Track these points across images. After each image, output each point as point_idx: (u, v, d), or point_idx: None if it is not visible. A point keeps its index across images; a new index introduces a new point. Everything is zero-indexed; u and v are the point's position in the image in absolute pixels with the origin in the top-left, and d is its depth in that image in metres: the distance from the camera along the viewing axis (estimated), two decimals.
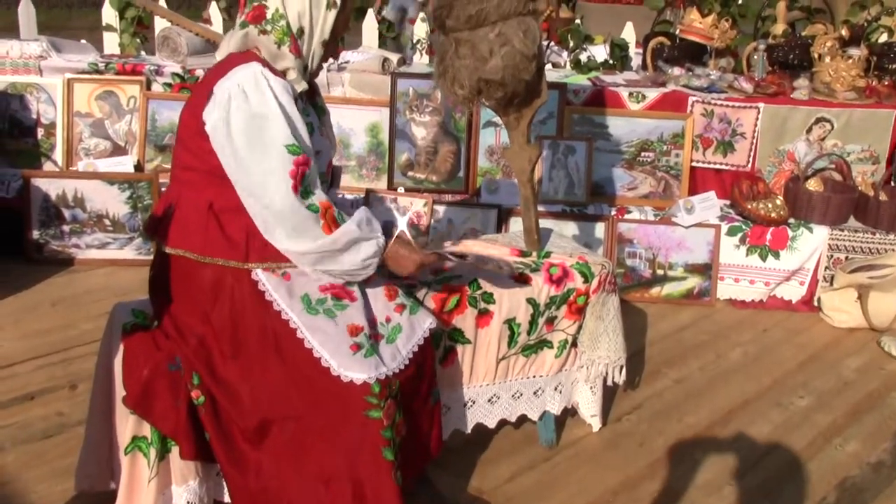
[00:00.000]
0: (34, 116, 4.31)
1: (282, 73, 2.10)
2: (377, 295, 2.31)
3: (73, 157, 4.33)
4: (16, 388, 3.05)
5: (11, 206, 4.11)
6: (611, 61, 4.77)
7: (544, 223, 4.12)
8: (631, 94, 4.31)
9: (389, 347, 2.19)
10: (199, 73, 4.29)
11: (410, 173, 4.29)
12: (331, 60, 4.42)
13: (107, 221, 4.15)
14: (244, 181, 2.03)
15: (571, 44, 4.83)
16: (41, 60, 4.31)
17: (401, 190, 4.22)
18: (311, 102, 2.30)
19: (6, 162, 4.29)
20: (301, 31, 2.13)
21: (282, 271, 2.14)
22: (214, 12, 5.10)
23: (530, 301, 2.66)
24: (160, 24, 4.79)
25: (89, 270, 4.13)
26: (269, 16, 2.11)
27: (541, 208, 4.11)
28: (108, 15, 4.81)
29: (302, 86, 2.13)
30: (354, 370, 2.06)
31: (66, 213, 4.11)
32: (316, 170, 2.09)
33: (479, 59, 2.57)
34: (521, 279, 2.69)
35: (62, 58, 4.38)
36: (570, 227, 4.11)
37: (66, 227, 4.13)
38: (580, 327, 2.80)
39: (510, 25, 2.57)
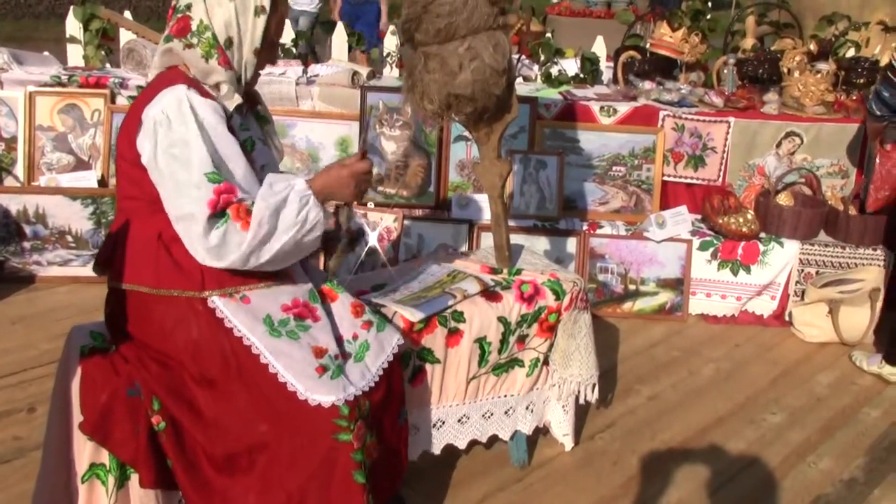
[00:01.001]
0: None
1: (213, 89, 2.04)
2: (343, 312, 2.25)
3: (35, 171, 4.23)
4: None
5: None
6: (582, 75, 4.76)
7: (515, 238, 4.07)
8: (602, 109, 4.29)
9: (358, 366, 2.14)
10: None
11: (381, 188, 4.24)
12: (300, 73, 4.41)
13: (69, 238, 4.06)
14: (171, 209, 1.98)
15: (542, 57, 4.81)
16: (2, 73, 4.22)
17: (371, 205, 4.16)
18: (252, 112, 2.25)
19: None
20: (229, 41, 2.05)
21: (240, 295, 2.08)
22: None
23: (501, 319, 2.62)
24: (125, 35, 4.71)
25: (51, 288, 4.03)
26: (193, 28, 2.03)
27: (512, 223, 4.09)
28: (73, 27, 4.72)
29: (235, 101, 2.07)
30: (321, 393, 2.01)
31: (27, 230, 4.02)
32: (244, 195, 1.99)
33: (448, 74, 2.53)
34: (492, 297, 2.65)
35: (24, 70, 4.29)
36: (542, 242, 4.08)
37: (26, 244, 4.03)
38: (552, 345, 2.76)
39: (480, 40, 2.53)
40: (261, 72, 2.18)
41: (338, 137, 4.34)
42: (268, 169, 2.17)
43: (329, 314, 2.21)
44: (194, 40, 2.02)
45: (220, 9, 2.03)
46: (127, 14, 4.68)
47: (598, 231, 4.13)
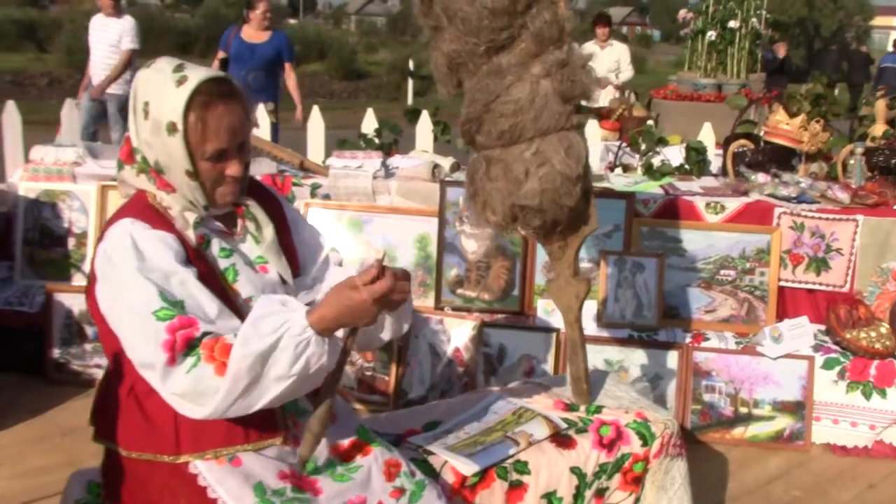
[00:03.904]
0: (65, 225, 4.08)
1: (167, 216, 1.77)
2: (375, 472, 1.89)
3: None
4: None
5: (35, 321, 3.87)
6: (687, 166, 4.32)
7: (608, 351, 3.67)
8: (708, 205, 3.84)
9: None
10: None
11: (460, 291, 3.88)
12: (378, 166, 4.14)
13: None
14: (132, 358, 1.67)
15: (643, 146, 4.40)
16: (76, 167, 4.12)
17: (447, 310, 3.81)
18: (249, 231, 1.91)
19: (34, 274, 4.06)
20: (158, 164, 1.75)
21: (230, 456, 1.75)
22: (262, 115, 4.88)
23: (575, 470, 2.20)
24: None
25: None
26: (134, 150, 1.79)
27: (604, 333, 3.67)
28: None
29: (189, 231, 1.77)
30: None
31: (89, 331, 3.84)
32: (212, 327, 1.66)
33: (512, 182, 2.19)
34: (563, 442, 2.23)
35: (98, 164, 4.18)
36: (638, 356, 3.62)
37: (88, 346, 3.85)
38: (638, 501, 2.30)
39: (549, 142, 2.18)
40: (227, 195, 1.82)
41: (417, 235, 4.03)
42: (257, 298, 1.83)
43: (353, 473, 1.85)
44: (136, 165, 1.78)
45: (142, 129, 1.75)
46: None
47: (704, 344, 3.64)
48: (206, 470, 1.75)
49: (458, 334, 3.71)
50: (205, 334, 1.62)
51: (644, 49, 38.51)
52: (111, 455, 1.86)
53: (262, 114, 4.93)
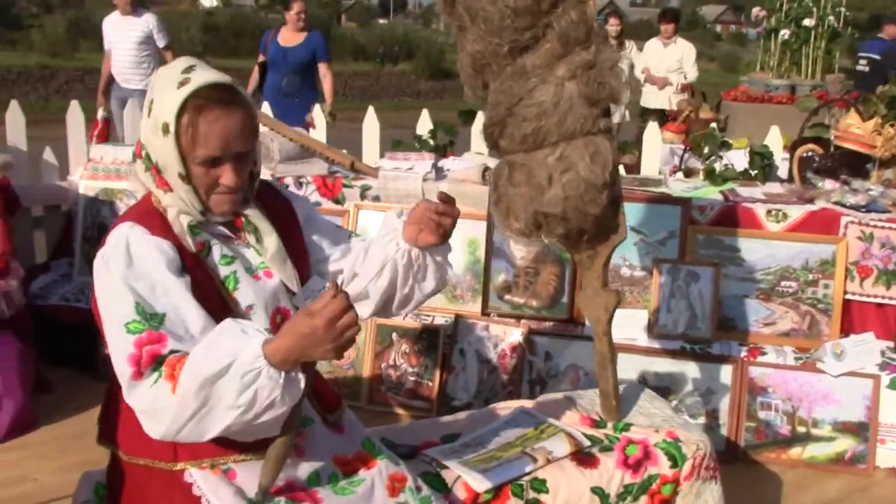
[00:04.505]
0: None
1: (163, 219, 1.74)
2: (378, 486, 1.83)
3: None
4: None
5: (90, 318, 3.93)
6: (752, 171, 4.13)
7: (658, 363, 3.52)
8: (769, 212, 3.65)
9: None
10: (288, 180, 4.02)
11: (507, 297, 3.80)
12: (429, 168, 4.09)
13: None
14: (113, 362, 1.64)
15: (706, 150, 4.23)
16: (133, 165, 4.19)
17: (494, 316, 3.73)
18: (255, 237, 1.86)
19: (92, 271, 4.13)
20: (157, 163, 1.71)
21: (225, 467, 1.71)
22: (318, 115, 4.88)
23: (596, 491, 2.11)
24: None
25: None
26: (142, 145, 1.75)
27: (655, 345, 3.53)
28: None
29: (187, 236, 1.74)
30: None
31: None
32: (181, 345, 1.60)
33: (535, 188, 2.10)
34: (585, 460, 2.13)
35: None
36: (690, 369, 3.47)
37: None
38: None
39: (575, 147, 2.09)
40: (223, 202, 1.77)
41: (467, 239, 3.95)
42: (262, 305, 1.78)
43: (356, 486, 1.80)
44: (143, 161, 1.75)
45: (145, 126, 1.72)
46: (265, 106, 4.59)
47: (761, 358, 3.46)
48: (202, 479, 1.73)
49: (504, 341, 3.63)
50: (172, 352, 1.58)
51: (739, 48, 37.44)
52: (114, 458, 1.86)
53: (317, 114, 4.93)
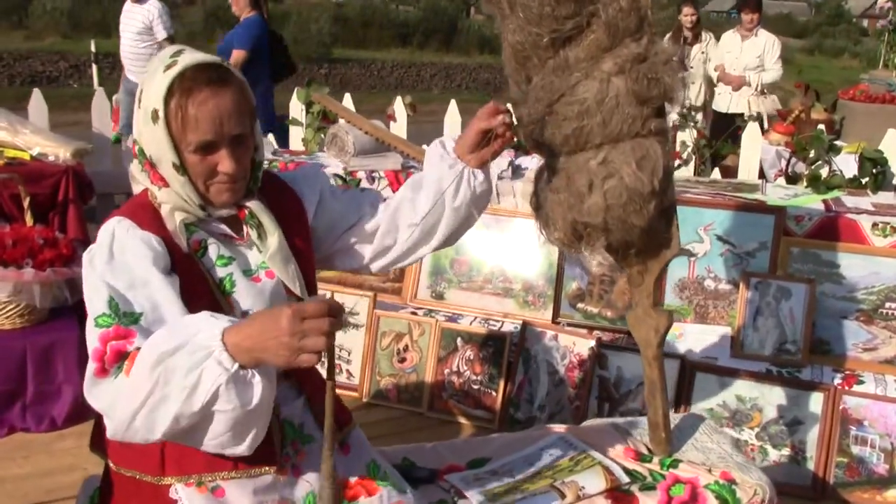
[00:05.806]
0: None
1: (157, 214, 1.65)
2: None
3: None
4: None
5: None
6: (862, 179, 3.76)
7: (740, 386, 3.22)
8: (875, 225, 3.29)
9: None
10: (360, 174, 3.91)
11: (580, 305, 3.57)
12: (505, 165, 3.89)
13: None
14: None
15: (811, 154, 3.88)
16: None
17: (564, 325, 3.51)
18: (257, 231, 1.73)
19: None
20: (151, 156, 1.61)
21: (213, 485, 1.59)
22: (399, 108, 4.75)
23: None
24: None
25: None
26: (136, 141, 1.66)
27: (738, 366, 3.24)
28: (295, 108, 4.63)
29: (180, 233, 1.64)
30: None
31: None
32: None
33: (574, 195, 1.90)
34: (622, 499, 1.91)
35: None
36: (776, 395, 3.16)
37: None
38: None
39: (620, 151, 1.87)
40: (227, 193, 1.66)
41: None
42: (260, 306, 1.67)
43: None
44: (138, 158, 1.66)
45: (137, 117, 1.63)
46: (347, 97, 4.49)
47: (857, 387, 3.11)
48: (187, 497, 1.62)
49: (572, 353, 3.41)
50: (138, 349, 1.46)
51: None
52: (106, 466, 1.78)
53: (398, 106, 4.80)
